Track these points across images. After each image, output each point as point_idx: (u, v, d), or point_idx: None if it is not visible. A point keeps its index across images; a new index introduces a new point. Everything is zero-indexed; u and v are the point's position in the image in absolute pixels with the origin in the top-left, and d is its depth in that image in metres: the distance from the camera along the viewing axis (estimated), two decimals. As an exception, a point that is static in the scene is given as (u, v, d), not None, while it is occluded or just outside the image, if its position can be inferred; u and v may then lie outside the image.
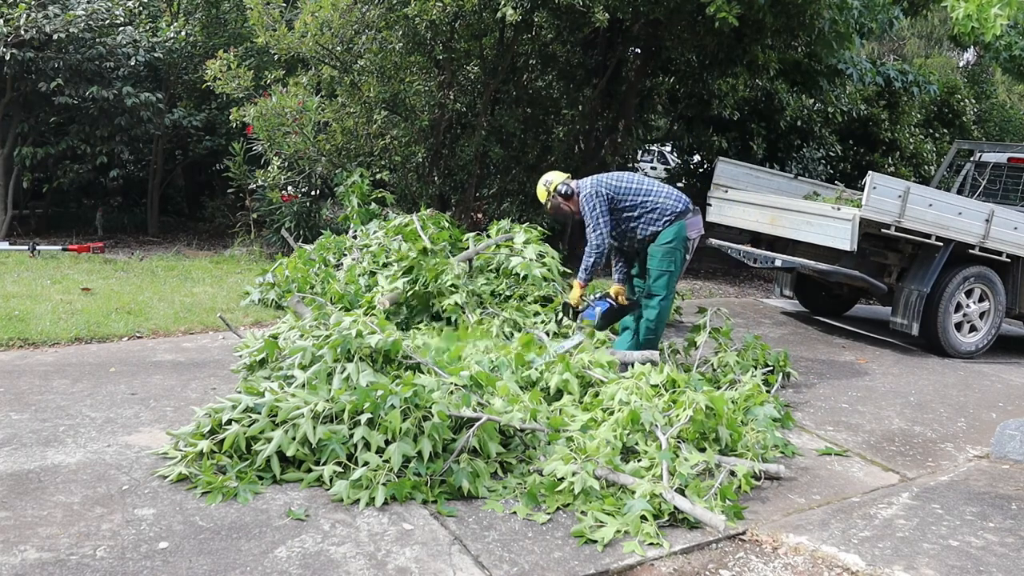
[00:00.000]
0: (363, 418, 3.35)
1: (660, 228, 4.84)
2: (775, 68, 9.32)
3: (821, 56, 9.26)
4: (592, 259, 4.79)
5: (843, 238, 6.12)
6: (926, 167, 11.95)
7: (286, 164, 8.19)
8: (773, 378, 5.11)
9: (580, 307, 4.92)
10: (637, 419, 3.70)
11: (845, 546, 3.15)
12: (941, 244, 6.40)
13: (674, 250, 4.85)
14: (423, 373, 3.86)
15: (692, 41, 8.56)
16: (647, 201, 4.84)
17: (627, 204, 4.84)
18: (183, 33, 9.46)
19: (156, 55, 9.14)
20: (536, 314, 5.46)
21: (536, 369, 4.30)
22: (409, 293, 5.44)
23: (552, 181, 5.04)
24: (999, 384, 6.02)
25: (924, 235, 6.32)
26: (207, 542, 2.83)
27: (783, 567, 3.03)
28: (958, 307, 6.67)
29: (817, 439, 4.42)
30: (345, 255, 6.48)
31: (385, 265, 6.01)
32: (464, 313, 5.24)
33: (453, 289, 5.33)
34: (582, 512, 3.22)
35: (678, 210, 4.84)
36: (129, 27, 9.23)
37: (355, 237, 6.84)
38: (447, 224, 6.50)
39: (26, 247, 7.71)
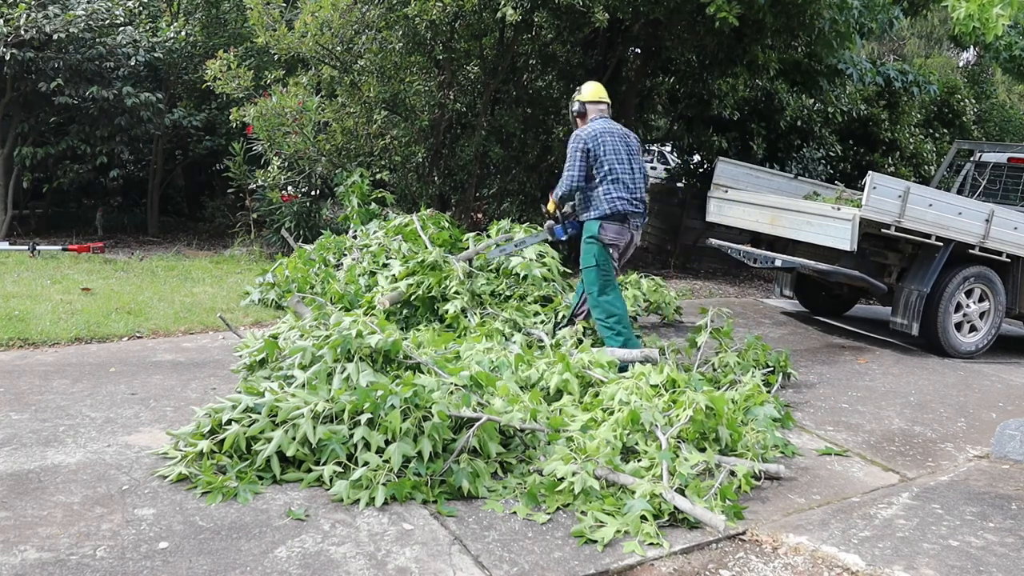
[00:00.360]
0: (363, 418, 3.35)
1: (584, 217, 4.93)
2: (775, 68, 9.31)
3: (821, 56, 9.25)
4: (559, 192, 4.98)
5: (843, 238, 6.12)
6: (926, 167, 11.94)
7: (286, 164, 8.19)
8: (773, 378, 5.11)
9: (555, 218, 5.21)
10: (637, 419, 3.70)
11: (845, 546, 3.15)
12: (941, 244, 6.40)
13: (593, 246, 4.89)
14: (423, 373, 3.86)
15: (692, 41, 8.56)
16: (600, 181, 4.85)
17: (600, 172, 4.86)
18: (183, 33, 9.46)
19: (156, 55, 9.14)
20: (536, 314, 5.46)
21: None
22: (412, 297, 5.45)
23: (582, 92, 5.14)
24: (999, 384, 6.02)
25: (924, 235, 6.32)
26: (207, 542, 2.83)
27: (783, 567, 3.03)
28: (958, 307, 6.67)
29: (817, 439, 4.42)
30: (345, 255, 6.48)
31: (385, 265, 6.02)
32: (466, 317, 5.24)
33: (456, 295, 5.35)
34: (582, 512, 3.22)
35: (605, 213, 4.83)
36: (129, 27, 9.23)
37: (355, 237, 6.85)
38: (447, 224, 6.50)
39: (26, 247, 7.71)
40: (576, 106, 5.11)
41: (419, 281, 5.47)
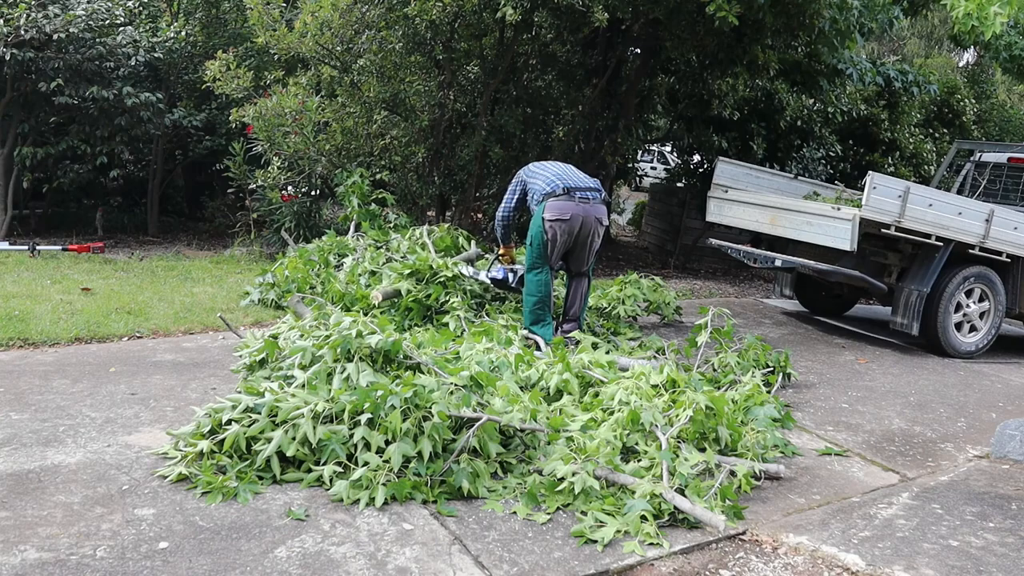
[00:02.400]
0: (363, 418, 3.35)
1: (536, 205, 5.28)
2: (775, 68, 9.31)
3: (821, 56, 9.26)
4: (496, 227, 5.74)
5: (843, 238, 6.12)
6: (926, 167, 11.94)
7: (286, 164, 8.19)
8: (773, 378, 5.11)
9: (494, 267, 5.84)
10: (637, 419, 3.70)
11: (845, 546, 3.15)
12: (941, 244, 6.40)
13: (533, 226, 5.24)
14: (423, 373, 3.86)
15: (692, 41, 8.56)
16: (533, 184, 5.33)
17: (529, 187, 5.41)
18: (183, 33, 9.46)
19: (156, 55, 9.14)
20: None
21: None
22: (412, 300, 5.46)
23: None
24: (999, 384, 6.02)
25: (924, 235, 6.32)
26: (207, 542, 2.83)
27: (783, 567, 3.03)
28: (958, 307, 6.67)
29: (817, 439, 4.42)
30: (346, 256, 6.50)
31: (387, 263, 6.04)
32: (461, 322, 5.26)
33: (454, 307, 5.38)
34: (582, 512, 3.22)
35: (546, 192, 5.20)
36: (129, 27, 9.22)
37: (357, 238, 6.87)
38: (460, 236, 6.66)
39: (26, 247, 7.71)
40: None
41: (414, 288, 5.49)
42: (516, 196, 5.51)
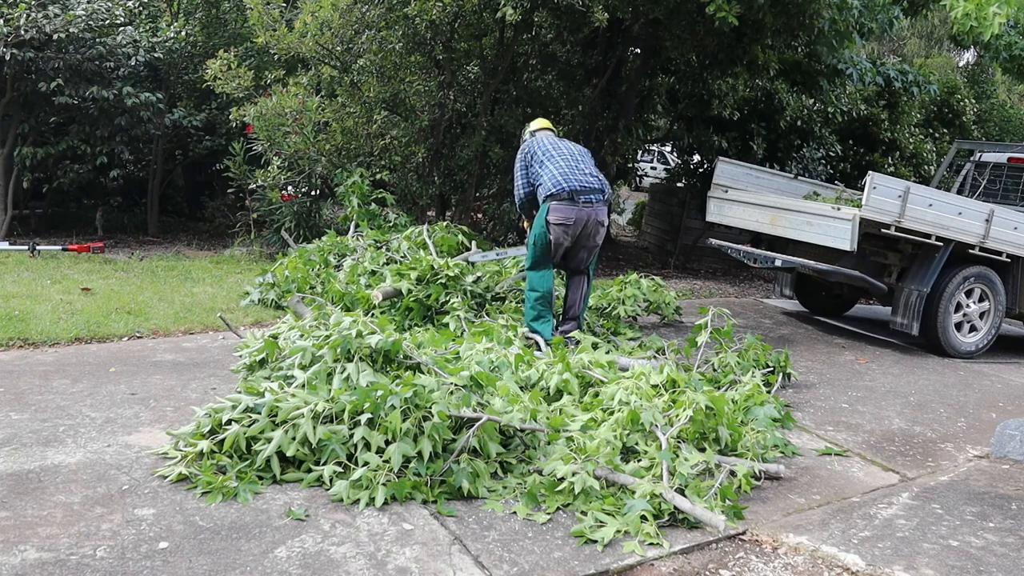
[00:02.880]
0: (363, 418, 3.35)
1: (541, 202, 5.25)
2: (775, 68, 9.31)
3: (821, 56, 9.26)
4: (517, 205, 5.55)
5: (843, 238, 6.12)
6: (926, 167, 11.94)
7: (286, 164, 8.19)
8: (773, 378, 5.11)
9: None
10: (637, 419, 3.70)
11: (845, 546, 3.15)
12: (941, 244, 6.40)
13: (537, 227, 5.21)
14: (423, 373, 3.86)
15: (692, 41, 8.56)
16: (540, 173, 5.23)
17: (533, 172, 5.30)
18: (183, 33, 9.46)
19: (156, 55, 9.14)
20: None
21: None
22: (412, 300, 5.47)
23: (530, 126, 5.65)
24: (999, 384, 6.02)
25: (924, 235, 6.32)
26: (207, 542, 2.83)
27: (783, 567, 3.03)
28: (958, 307, 6.67)
29: (817, 439, 4.42)
30: (346, 256, 6.51)
31: (387, 263, 6.04)
32: (461, 322, 5.27)
33: (454, 307, 5.39)
34: (582, 512, 3.22)
35: (550, 192, 5.13)
36: (129, 27, 9.23)
37: (357, 238, 6.87)
38: (460, 234, 6.68)
39: (26, 247, 7.71)
40: (527, 136, 5.55)
41: (415, 288, 5.50)
42: (526, 177, 5.38)
